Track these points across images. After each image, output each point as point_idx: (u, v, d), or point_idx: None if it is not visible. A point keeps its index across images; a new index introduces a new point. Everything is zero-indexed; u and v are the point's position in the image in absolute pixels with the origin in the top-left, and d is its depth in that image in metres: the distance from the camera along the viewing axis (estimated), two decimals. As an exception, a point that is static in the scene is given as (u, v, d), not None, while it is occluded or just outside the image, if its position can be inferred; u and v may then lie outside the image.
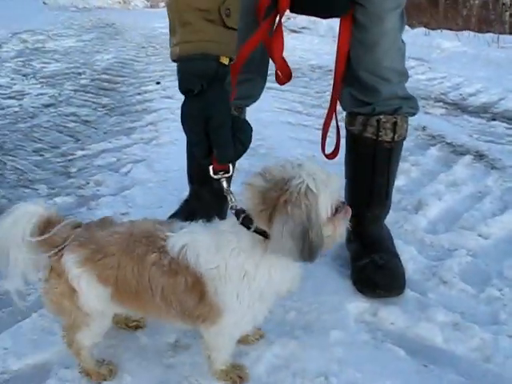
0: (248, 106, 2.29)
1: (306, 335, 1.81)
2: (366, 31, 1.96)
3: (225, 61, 1.55)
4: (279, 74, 2.02)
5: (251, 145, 1.60)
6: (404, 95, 2.10)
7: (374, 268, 2.02)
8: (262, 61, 2.11)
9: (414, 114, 2.12)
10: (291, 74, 2.03)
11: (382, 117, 2.06)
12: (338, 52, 2.02)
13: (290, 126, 3.92)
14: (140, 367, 1.68)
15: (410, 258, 2.25)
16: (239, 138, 1.55)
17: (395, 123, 2.06)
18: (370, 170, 2.12)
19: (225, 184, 1.55)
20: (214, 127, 1.51)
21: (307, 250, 1.33)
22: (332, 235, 1.41)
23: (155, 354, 1.73)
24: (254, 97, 2.25)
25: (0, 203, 2.76)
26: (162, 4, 13.37)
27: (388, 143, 2.09)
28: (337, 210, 1.40)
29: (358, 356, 1.72)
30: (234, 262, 1.41)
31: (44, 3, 12.84)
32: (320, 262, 2.21)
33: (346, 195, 2.25)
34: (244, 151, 1.58)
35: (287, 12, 1.93)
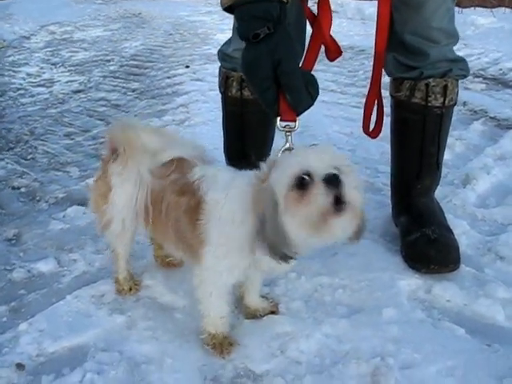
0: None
1: (357, 314, 1.70)
2: (411, -10, 1.83)
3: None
4: (329, 50, 1.89)
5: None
6: (454, 57, 1.97)
7: (426, 242, 1.89)
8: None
9: (465, 77, 1.99)
10: (341, 49, 1.90)
11: (431, 80, 1.93)
12: (379, 19, 1.87)
13: (325, 104, 3.80)
14: (181, 349, 1.59)
15: (462, 232, 2.11)
16: (309, 90, 1.48)
17: (445, 87, 1.93)
18: (420, 138, 1.99)
19: (289, 138, 1.50)
20: (287, 71, 1.45)
21: (271, 245, 1.27)
22: (294, 224, 1.23)
23: (196, 336, 1.63)
24: None
25: (32, 186, 2.71)
26: (188, -7, 13.28)
27: (438, 108, 1.95)
28: (304, 188, 1.22)
29: (414, 335, 1.60)
30: (231, 204, 1.41)
31: (70, -4, 12.85)
32: (367, 238, 2.10)
33: (394, 166, 2.13)
34: (312, 104, 1.52)
35: None
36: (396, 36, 1.93)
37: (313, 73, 1.63)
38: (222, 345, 1.56)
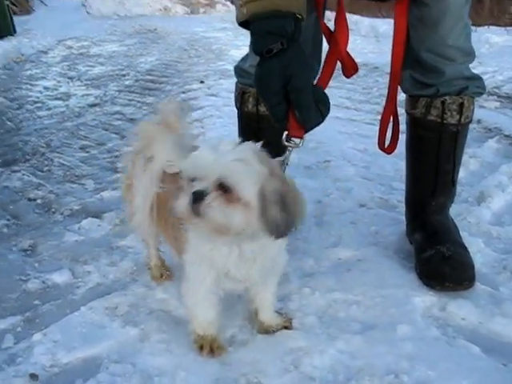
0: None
1: (371, 330, 1.68)
2: (427, 8, 1.83)
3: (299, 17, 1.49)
4: (345, 66, 1.91)
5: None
6: (470, 75, 1.96)
7: (441, 260, 1.88)
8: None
9: (481, 94, 1.98)
10: (357, 66, 1.91)
11: (447, 98, 1.92)
12: (395, 36, 1.88)
13: (339, 121, 3.81)
14: (195, 363, 1.58)
15: (477, 250, 2.09)
16: (319, 107, 1.49)
17: (461, 104, 1.93)
18: (435, 155, 1.98)
19: (289, 154, 1.52)
20: (297, 88, 1.46)
21: None
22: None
23: (210, 350, 1.63)
24: None
25: (47, 198, 2.74)
26: (202, 10, 13.38)
27: (454, 126, 1.95)
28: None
29: (429, 353, 1.58)
30: None
31: (87, 13, 12.98)
32: (381, 255, 2.10)
33: (408, 183, 2.13)
34: (321, 122, 1.53)
35: None
36: (412, 53, 1.93)
37: (327, 89, 1.64)
38: (211, 346, 1.59)
